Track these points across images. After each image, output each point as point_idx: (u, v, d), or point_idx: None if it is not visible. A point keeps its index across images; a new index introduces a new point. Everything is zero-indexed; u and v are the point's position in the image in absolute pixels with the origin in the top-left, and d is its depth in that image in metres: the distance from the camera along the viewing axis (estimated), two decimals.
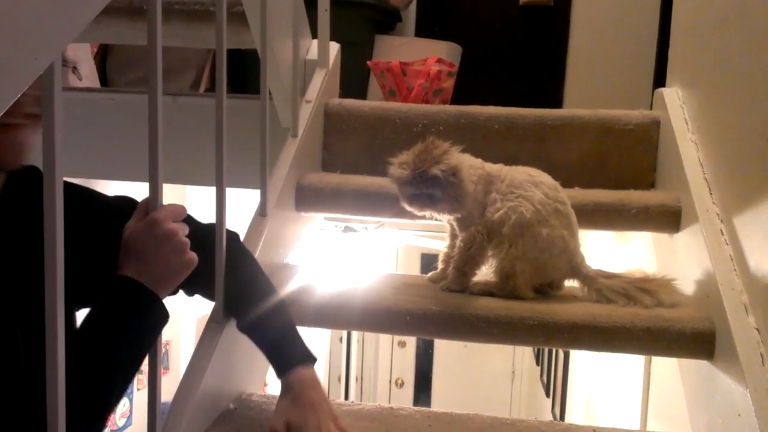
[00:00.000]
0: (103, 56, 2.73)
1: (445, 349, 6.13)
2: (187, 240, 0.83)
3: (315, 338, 4.94)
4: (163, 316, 0.82)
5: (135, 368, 0.80)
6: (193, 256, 0.84)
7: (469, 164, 1.31)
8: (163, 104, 1.75)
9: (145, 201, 0.83)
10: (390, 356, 6.33)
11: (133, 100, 1.87)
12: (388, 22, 2.92)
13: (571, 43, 2.94)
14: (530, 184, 1.27)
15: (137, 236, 0.81)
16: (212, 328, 1.07)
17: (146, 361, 0.84)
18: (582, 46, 2.93)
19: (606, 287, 1.27)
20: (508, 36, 3.01)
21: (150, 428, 0.86)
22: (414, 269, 5.58)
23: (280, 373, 1.00)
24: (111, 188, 3.05)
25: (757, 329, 1.07)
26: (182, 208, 0.85)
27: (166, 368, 3.62)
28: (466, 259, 1.30)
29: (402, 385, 6.33)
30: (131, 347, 0.78)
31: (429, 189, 1.22)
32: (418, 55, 2.34)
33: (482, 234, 1.28)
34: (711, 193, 1.32)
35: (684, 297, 1.27)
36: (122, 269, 0.80)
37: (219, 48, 0.98)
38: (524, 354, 5.85)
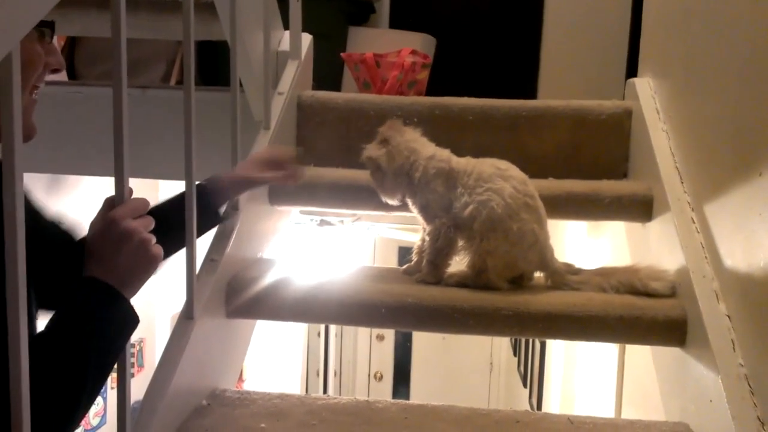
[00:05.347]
0: (70, 49, 2.68)
1: (423, 342, 6.16)
2: (150, 236, 0.81)
3: (292, 333, 4.92)
4: (129, 316, 0.80)
5: (105, 369, 0.78)
6: (158, 252, 0.81)
7: (430, 154, 1.31)
8: (133, 97, 1.72)
9: (110, 197, 0.81)
10: (368, 350, 6.34)
11: (101, 93, 1.83)
12: (362, 14, 2.91)
13: (544, 34, 2.95)
14: (499, 178, 1.27)
15: (97, 236, 0.79)
16: (183, 324, 1.06)
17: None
18: (555, 38, 2.94)
19: (573, 282, 1.30)
20: (483, 28, 3.02)
21: (120, 426, 0.84)
22: (392, 262, 5.58)
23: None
24: (82, 183, 3.00)
25: (728, 316, 1.09)
26: (144, 203, 0.82)
27: (141, 366, 3.58)
28: (435, 252, 1.30)
29: (381, 378, 6.34)
30: (99, 347, 0.76)
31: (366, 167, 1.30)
32: (393, 47, 2.34)
33: (448, 227, 1.28)
34: (682, 182, 1.34)
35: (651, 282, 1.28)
36: (87, 270, 0.78)
37: (186, 39, 0.96)
38: (502, 345, 5.89)
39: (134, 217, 0.80)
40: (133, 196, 0.82)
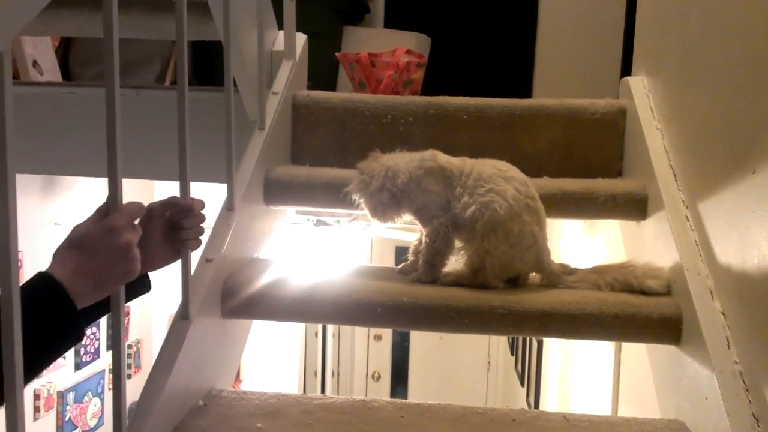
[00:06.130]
0: (65, 50, 2.68)
1: (421, 342, 6.17)
2: (137, 255, 0.79)
3: (289, 333, 4.92)
4: (73, 329, 0.74)
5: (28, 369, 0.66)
6: (136, 268, 0.79)
7: (408, 159, 1.32)
8: (127, 97, 1.71)
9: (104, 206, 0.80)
10: (366, 350, 6.34)
11: (95, 94, 1.83)
12: (357, 14, 2.91)
13: (539, 33, 2.96)
14: (501, 179, 1.27)
15: (93, 238, 0.76)
16: (179, 325, 1.06)
17: (111, 360, 0.82)
18: (550, 36, 2.95)
19: (568, 281, 1.31)
20: (477, 27, 3.02)
21: (116, 427, 0.84)
22: (389, 261, 5.59)
23: None
24: (78, 184, 2.99)
25: (723, 313, 1.09)
26: (140, 208, 0.82)
27: (138, 367, 3.57)
28: (433, 252, 1.30)
29: (379, 378, 6.34)
30: (27, 350, 0.65)
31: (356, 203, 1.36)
32: (387, 46, 2.34)
33: (446, 227, 1.28)
34: (676, 180, 1.34)
35: (647, 280, 1.28)
36: (58, 261, 0.75)
37: (179, 39, 0.96)
38: (499, 344, 5.91)
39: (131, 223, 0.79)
40: (130, 196, 0.81)
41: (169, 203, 0.94)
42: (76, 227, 0.79)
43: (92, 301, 0.77)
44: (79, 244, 0.77)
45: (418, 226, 1.38)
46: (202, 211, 0.99)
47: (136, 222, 0.82)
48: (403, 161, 1.33)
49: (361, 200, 1.34)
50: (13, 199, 0.61)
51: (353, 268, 1.45)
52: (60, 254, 0.77)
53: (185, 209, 0.95)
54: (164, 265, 0.96)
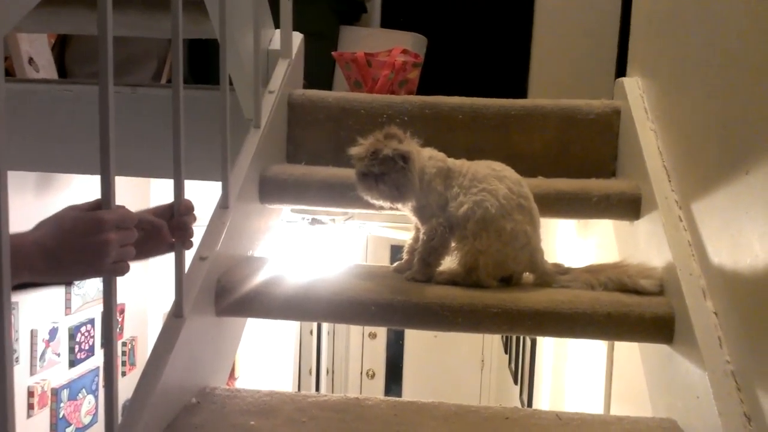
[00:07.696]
0: (61, 47, 2.66)
1: (415, 340, 6.17)
2: (118, 254, 0.78)
3: (284, 331, 4.91)
4: None
5: None
6: (103, 266, 0.77)
7: (428, 156, 1.31)
8: (123, 95, 1.70)
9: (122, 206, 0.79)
10: (361, 348, 6.34)
11: (91, 91, 1.82)
12: (353, 13, 2.91)
13: (535, 34, 2.96)
14: (494, 179, 1.27)
15: (74, 221, 0.76)
16: (172, 323, 1.05)
17: (103, 357, 0.82)
18: (546, 37, 2.95)
19: (562, 281, 1.30)
20: (474, 27, 3.02)
21: (108, 423, 0.83)
22: (384, 260, 5.58)
23: None
24: (74, 182, 2.98)
25: (715, 313, 1.09)
26: (133, 218, 0.80)
27: (133, 365, 3.56)
28: (429, 250, 1.30)
29: (373, 376, 6.34)
30: None
31: (377, 169, 1.23)
32: (384, 46, 2.33)
33: (444, 226, 1.28)
34: (670, 181, 1.34)
35: (640, 279, 1.28)
36: (34, 228, 0.75)
37: (174, 38, 0.95)
38: (493, 343, 5.91)
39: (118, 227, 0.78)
40: (125, 194, 0.81)
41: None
42: (69, 206, 0.78)
43: (47, 278, 0.76)
44: (58, 221, 0.76)
45: (414, 224, 1.37)
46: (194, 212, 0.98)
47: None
48: (423, 153, 1.31)
49: (402, 170, 1.24)
50: (5, 195, 0.60)
51: (348, 266, 1.45)
52: (40, 223, 0.76)
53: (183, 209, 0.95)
54: None
